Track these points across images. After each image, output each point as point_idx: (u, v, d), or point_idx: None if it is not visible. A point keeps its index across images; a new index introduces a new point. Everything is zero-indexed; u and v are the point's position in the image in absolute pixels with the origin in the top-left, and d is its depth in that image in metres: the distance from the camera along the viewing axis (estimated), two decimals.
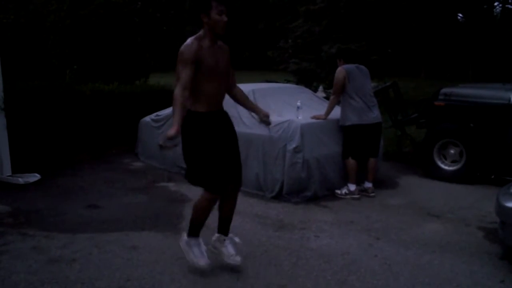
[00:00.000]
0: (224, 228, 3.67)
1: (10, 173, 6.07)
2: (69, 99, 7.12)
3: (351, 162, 5.51)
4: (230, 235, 3.68)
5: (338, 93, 5.56)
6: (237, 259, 3.56)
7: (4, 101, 6.00)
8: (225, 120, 3.58)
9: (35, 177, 6.07)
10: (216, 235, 3.68)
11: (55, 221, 4.69)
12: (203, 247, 3.57)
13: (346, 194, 5.49)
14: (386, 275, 3.56)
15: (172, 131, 2.99)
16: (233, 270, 3.58)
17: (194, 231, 3.56)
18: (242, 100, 3.77)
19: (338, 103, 5.75)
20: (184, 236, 3.59)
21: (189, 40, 3.31)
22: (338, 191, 5.53)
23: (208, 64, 3.28)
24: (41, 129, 6.61)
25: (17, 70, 8.00)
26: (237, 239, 3.69)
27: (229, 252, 3.59)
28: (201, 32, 3.36)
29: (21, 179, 5.94)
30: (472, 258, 3.88)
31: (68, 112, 7.05)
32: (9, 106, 6.05)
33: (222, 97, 3.52)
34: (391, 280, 3.49)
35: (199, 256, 3.51)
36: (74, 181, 6.15)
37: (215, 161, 3.36)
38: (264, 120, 3.72)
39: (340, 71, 5.53)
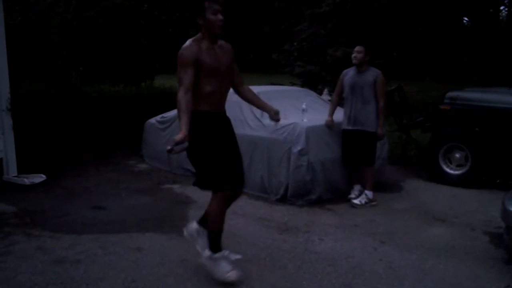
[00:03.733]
0: (203, 223, 3.54)
1: (16, 174, 6.11)
2: (75, 101, 7.16)
3: (375, 168, 5.46)
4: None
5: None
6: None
7: (11, 102, 6.04)
8: (228, 124, 3.52)
9: (40, 177, 6.10)
10: (192, 225, 3.59)
11: (60, 221, 4.71)
12: (231, 257, 3.44)
13: (366, 203, 5.32)
14: (391, 279, 3.55)
15: (180, 136, 2.95)
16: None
17: (216, 244, 3.41)
18: (251, 98, 3.70)
19: (341, 105, 5.71)
20: (206, 252, 3.44)
21: (187, 42, 3.27)
22: (357, 202, 5.31)
23: (208, 65, 3.23)
24: (47, 130, 6.64)
25: (23, 71, 8.03)
26: (234, 256, 3.53)
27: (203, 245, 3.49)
28: (199, 35, 3.32)
29: (27, 180, 5.98)
30: (477, 262, 3.86)
31: (73, 113, 7.08)
32: (15, 107, 6.09)
33: (224, 98, 3.46)
34: (396, 284, 3.48)
35: (228, 269, 3.37)
36: (79, 182, 6.17)
37: (221, 158, 3.29)
38: (274, 118, 3.62)
39: (383, 77, 5.30)
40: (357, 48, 5.33)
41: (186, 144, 2.98)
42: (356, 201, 5.32)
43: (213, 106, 3.33)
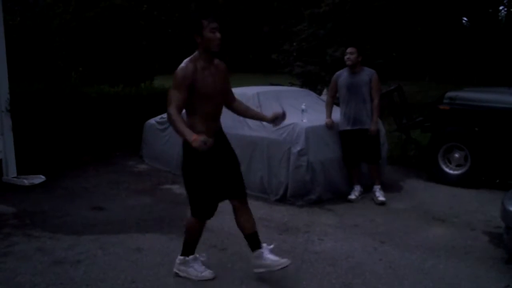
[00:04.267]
0: (255, 244, 3.49)
1: (15, 175, 6.11)
2: (75, 101, 7.15)
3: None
4: (263, 245, 3.49)
5: None
6: (284, 262, 3.40)
7: (10, 103, 6.03)
8: (223, 141, 3.50)
9: (40, 178, 6.10)
10: (253, 254, 3.49)
11: (60, 222, 4.71)
12: (201, 258, 3.57)
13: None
14: (391, 279, 3.55)
15: (195, 137, 2.95)
16: (238, 273, 3.59)
17: (189, 251, 3.53)
18: (244, 112, 3.74)
19: (336, 104, 5.79)
20: (178, 258, 3.54)
21: (184, 63, 3.26)
22: (382, 198, 5.39)
23: (204, 86, 3.24)
24: (46, 130, 6.64)
25: (23, 72, 8.03)
26: (202, 257, 3.60)
27: (273, 260, 3.42)
28: (196, 53, 3.31)
29: (26, 181, 5.97)
30: (477, 262, 3.86)
31: (73, 114, 7.08)
32: (14, 107, 6.09)
33: (219, 116, 3.46)
34: (396, 284, 3.48)
35: (201, 270, 3.51)
36: (78, 183, 6.17)
37: (205, 188, 3.32)
38: (275, 123, 3.60)
39: (377, 76, 5.52)
40: (350, 49, 5.43)
41: (206, 139, 2.96)
42: (382, 198, 5.39)
43: (207, 126, 3.30)
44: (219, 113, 3.45)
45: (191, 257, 3.53)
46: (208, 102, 3.28)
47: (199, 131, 3.22)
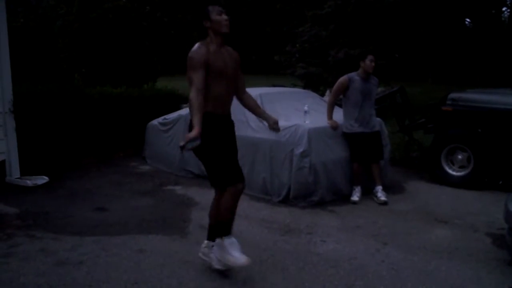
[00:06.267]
0: (214, 235, 3.55)
1: (18, 175, 6.12)
2: (78, 102, 7.17)
3: None
4: (217, 240, 3.51)
5: None
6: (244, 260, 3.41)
7: (13, 104, 6.05)
8: (231, 127, 3.59)
9: (43, 179, 6.12)
10: (206, 242, 3.59)
11: (63, 223, 4.72)
12: (237, 244, 3.48)
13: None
14: (393, 281, 3.55)
15: (193, 133, 3.04)
16: (240, 273, 3.59)
17: (226, 231, 3.44)
18: (251, 106, 3.81)
19: (337, 106, 5.91)
20: (217, 241, 3.47)
21: (196, 45, 3.35)
22: (385, 198, 5.46)
23: (216, 67, 3.31)
24: (49, 132, 6.66)
25: (26, 73, 8.06)
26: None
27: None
28: (207, 39, 3.41)
29: (30, 182, 5.99)
30: (480, 264, 3.86)
31: (76, 115, 7.09)
32: (18, 109, 6.11)
33: (230, 100, 3.54)
34: (398, 286, 3.48)
35: (237, 255, 3.39)
36: (81, 183, 6.18)
37: (226, 156, 3.38)
38: (274, 127, 3.74)
39: None
40: (372, 57, 5.57)
41: (198, 142, 3.05)
42: (384, 198, 5.46)
43: (219, 107, 3.41)
44: (230, 98, 3.52)
45: (226, 241, 3.40)
46: (220, 83, 3.35)
47: (210, 112, 3.30)
